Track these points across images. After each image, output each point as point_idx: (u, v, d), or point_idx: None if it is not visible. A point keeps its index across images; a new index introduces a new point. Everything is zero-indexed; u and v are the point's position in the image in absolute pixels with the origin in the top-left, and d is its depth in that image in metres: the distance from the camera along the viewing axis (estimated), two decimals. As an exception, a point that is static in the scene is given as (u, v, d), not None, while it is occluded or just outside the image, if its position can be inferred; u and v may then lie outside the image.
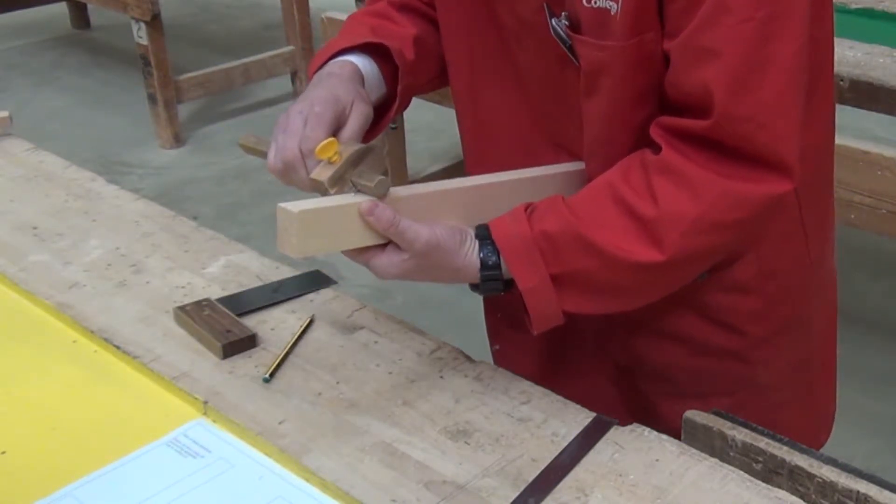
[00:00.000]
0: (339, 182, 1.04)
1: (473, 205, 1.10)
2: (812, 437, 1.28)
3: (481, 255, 1.04)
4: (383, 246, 1.03)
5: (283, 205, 0.99)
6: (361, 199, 1.01)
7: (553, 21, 1.06)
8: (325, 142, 1.03)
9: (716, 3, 0.94)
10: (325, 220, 1.00)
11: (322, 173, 1.04)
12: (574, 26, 1.04)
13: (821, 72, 1.07)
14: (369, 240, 1.02)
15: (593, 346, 1.25)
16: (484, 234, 1.05)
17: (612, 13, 0.99)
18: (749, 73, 0.95)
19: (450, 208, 1.09)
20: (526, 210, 1.05)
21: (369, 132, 1.17)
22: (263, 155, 1.10)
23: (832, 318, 1.29)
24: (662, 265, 1.00)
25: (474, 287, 1.07)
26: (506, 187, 1.12)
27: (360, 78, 1.14)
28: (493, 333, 1.36)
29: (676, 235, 0.99)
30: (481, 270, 1.04)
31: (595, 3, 1.00)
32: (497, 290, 1.05)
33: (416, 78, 1.21)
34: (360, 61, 1.16)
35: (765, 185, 0.99)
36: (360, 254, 1.03)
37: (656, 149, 1.02)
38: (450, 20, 1.19)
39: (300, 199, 1.02)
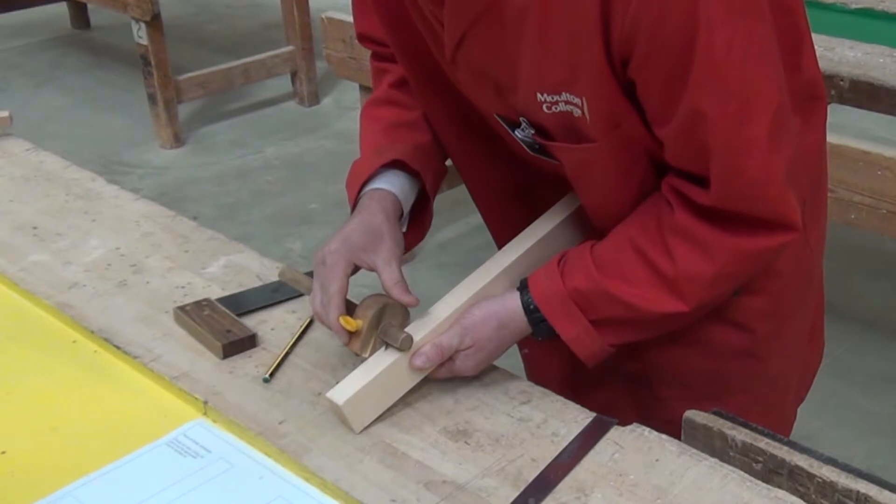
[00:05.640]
0: (368, 344, 1.09)
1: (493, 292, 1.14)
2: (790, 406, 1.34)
3: (522, 300, 1.10)
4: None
5: (328, 395, 1.05)
6: (391, 359, 1.06)
7: (517, 132, 1.09)
8: (342, 319, 1.07)
9: (689, 111, 0.96)
10: (370, 391, 1.05)
11: (353, 344, 1.09)
12: (541, 133, 1.07)
13: (813, 87, 1.13)
14: (416, 378, 1.08)
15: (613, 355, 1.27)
16: (523, 286, 1.11)
17: (577, 116, 1.00)
18: (732, 158, 0.98)
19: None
20: (559, 263, 1.09)
21: (417, 230, 1.23)
22: (302, 288, 1.17)
23: (821, 296, 1.34)
24: (687, 314, 1.06)
25: (533, 334, 1.12)
26: (517, 265, 1.15)
27: (392, 204, 1.15)
28: (523, 339, 1.38)
29: (696, 290, 1.05)
30: (526, 314, 1.09)
31: (554, 109, 1.02)
32: (551, 332, 1.10)
33: (442, 161, 1.26)
34: (389, 182, 1.17)
35: (771, 239, 1.04)
36: (438, 371, 1.09)
37: (668, 202, 1.05)
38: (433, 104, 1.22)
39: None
